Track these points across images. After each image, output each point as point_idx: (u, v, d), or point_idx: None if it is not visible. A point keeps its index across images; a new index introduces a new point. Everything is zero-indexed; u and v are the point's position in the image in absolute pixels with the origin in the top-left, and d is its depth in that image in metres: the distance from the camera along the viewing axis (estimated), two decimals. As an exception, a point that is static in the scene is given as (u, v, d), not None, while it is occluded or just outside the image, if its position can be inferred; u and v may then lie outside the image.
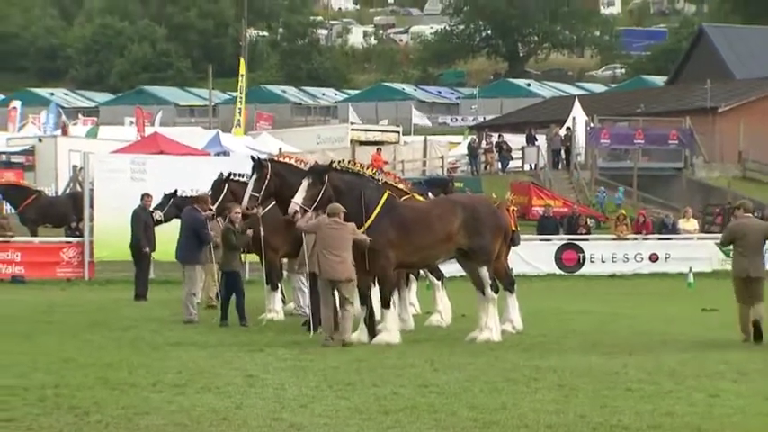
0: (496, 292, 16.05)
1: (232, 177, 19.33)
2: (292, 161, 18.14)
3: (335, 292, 15.28)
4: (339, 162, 16.11)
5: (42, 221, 30.98)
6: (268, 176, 17.04)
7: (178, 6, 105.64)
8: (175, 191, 22.84)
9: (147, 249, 22.92)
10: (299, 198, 15.36)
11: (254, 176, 17.18)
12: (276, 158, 18.95)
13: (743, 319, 16.07)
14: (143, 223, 22.92)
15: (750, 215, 17.15)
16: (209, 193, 19.76)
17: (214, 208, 18.86)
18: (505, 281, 16.82)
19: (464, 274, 23.31)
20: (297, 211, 15.38)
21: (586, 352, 14.62)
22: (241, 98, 55.15)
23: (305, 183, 15.48)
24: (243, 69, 57.25)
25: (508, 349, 14.83)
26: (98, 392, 11.28)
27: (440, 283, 18.43)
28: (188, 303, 18.47)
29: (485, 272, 15.87)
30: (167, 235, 22.09)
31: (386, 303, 15.54)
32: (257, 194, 17.04)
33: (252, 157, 18.23)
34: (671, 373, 12.74)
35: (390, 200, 15.71)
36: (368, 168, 16.61)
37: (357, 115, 69.12)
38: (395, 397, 11.09)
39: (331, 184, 15.45)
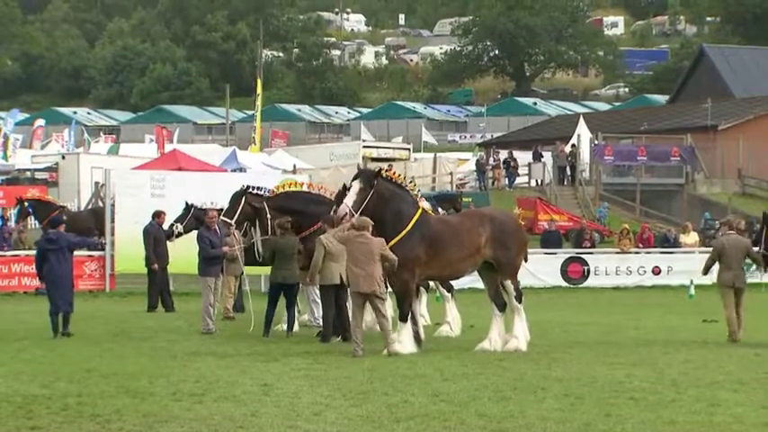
0: (520, 301, 16.30)
1: (250, 190, 19.47)
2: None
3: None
4: (386, 171, 16.02)
5: None
6: (240, 209, 17.84)
7: (200, 27, 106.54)
8: (187, 204, 23.23)
9: (156, 266, 23.35)
10: (350, 201, 15.38)
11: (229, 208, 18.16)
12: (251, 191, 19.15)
13: (730, 322, 17.91)
14: (152, 239, 23.37)
15: (733, 232, 18.51)
16: (216, 206, 20.02)
17: (233, 221, 19.12)
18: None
19: (472, 286, 23.69)
20: (347, 213, 15.38)
21: (591, 362, 14.77)
22: (256, 116, 55.62)
23: (356, 185, 15.48)
24: (259, 89, 57.74)
25: (516, 359, 14.96)
26: (119, 401, 11.45)
27: (449, 295, 18.66)
28: (205, 314, 18.65)
29: (509, 284, 16.14)
30: (183, 248, 22.51)
31: (403, 317, 15.63)
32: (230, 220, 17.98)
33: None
34: (673, 383, 12.90)
35: (423, 215, 15.80)
36: (409, 182, 16.61)
37: (369, 133, 69.47)
38: (406, 405, 11.24)
39: (377, 190, 15.50)
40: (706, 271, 18.96)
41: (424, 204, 16.49)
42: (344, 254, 16.59)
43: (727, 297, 18.02)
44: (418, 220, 15.70)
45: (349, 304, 17.67)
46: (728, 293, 18.01)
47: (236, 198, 19.26)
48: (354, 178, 15.77)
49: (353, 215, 15.36)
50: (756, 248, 18.56)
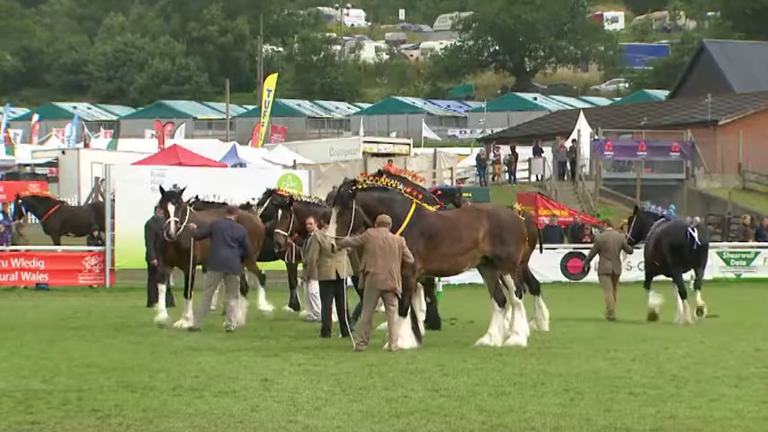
0: (520, 297, 16.33)
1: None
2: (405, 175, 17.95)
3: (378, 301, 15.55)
4: (364, 181, 15.98)
5: (65, 231, 31.56)
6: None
7: (199, 22, 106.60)
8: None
9: (155, 261, 23.32)
10: (331, 231, 15.44)
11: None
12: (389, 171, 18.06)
13: (608, 303, 21.51)
14: (153, 234, 23.33)
15: (611, 228, 22.69)
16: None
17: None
18: (522, 285, 17.23)
19: (472, 281, 23.68)
20: (332, 244, 15.57)
21: (591, 357, 14.82)
22: (266, 112, 55.54)
23: (333, 213, 15.50)
24: (268, 84, 57.65)
25: (515, 354, 15.01)
26: (119, 396, 11.48)
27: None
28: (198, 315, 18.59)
29: (509, 279, 16.16)
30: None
31: (404, 312, 15.64)
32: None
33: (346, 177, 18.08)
34: (673, 378, 12.93)
35: (418, 210, 15.84)
36: (393, 180, 16.50)
37: (368, 128, 69.45)
38: (406, 400, 11.26)
39: (359, 204, 15.48)
40: (588, 263, 22.80)
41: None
42: (342, 249, 16.61)
43: (607, 282, 21.65)
44: (414, 214, 15.73)
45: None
46: (607, 280, 21.68)
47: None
48: (334, 203, 15.75)
49: (338, 240, 15.42)
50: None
